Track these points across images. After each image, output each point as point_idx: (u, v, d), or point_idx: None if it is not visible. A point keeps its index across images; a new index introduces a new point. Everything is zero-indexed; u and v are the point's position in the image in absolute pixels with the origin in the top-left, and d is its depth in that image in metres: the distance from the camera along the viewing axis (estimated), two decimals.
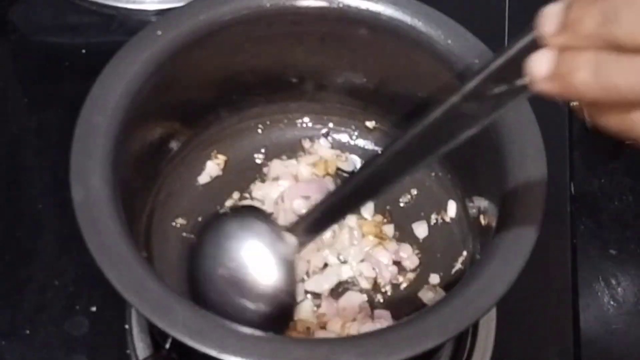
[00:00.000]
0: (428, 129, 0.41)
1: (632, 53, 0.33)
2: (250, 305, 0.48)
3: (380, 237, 0.62)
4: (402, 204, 0.64)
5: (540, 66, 0.35)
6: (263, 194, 0.64)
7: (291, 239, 0.48)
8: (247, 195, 0.64)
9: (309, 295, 0.59)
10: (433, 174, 0.64)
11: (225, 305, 0.47)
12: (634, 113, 0.34)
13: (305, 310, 0.58)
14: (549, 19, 0.35)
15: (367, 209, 0.62)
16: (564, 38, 0.35)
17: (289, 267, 0.48)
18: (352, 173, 0.46)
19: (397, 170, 0.44)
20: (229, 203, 0.63)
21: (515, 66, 0.36)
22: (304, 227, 0.49)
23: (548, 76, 0.35)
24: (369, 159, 0.45)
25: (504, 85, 0.38)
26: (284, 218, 0.61)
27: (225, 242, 0.49)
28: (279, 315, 0.49)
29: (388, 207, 0.64)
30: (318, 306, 0.59)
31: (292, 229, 0.49)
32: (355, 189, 0.46)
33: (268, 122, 0.67)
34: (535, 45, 0.36)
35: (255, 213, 0.51)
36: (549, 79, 0.35)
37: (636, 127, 0.35)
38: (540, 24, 0.35)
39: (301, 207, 0.61)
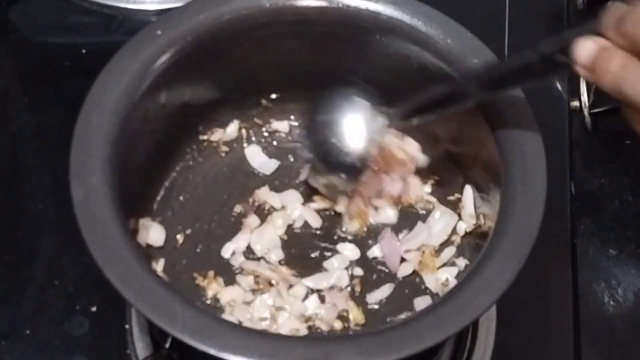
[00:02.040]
0: (503, 68, 0.51)
1: None
2: (333, 155, 0.59)
3: None
4: None
5: (582, 53, 0.41)
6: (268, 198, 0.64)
7: (380, 119, 0.59)
8: (249, 198, 0.64)
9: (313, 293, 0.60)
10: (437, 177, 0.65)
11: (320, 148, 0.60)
12: None
13: (311, 304, 0.59)
14: (612, 11, 0.40)
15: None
16: (612, 33, 0.39)
17: (369, 141, 0.59)
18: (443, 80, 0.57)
19: (475, 92, 0.52)
20: (230, 203, 0.63)
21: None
22: (395, 113, 0.58)
23: (585, 64, 0.41)
24: (462, 73, 0.56)
25: (564, 55, 0.43)
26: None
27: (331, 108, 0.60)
28: (349, 171, 0.60)
29: None
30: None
31: (385, 112, 0.59)
32: (441, 96, 0.55)
33: (268, 122, 0.67)
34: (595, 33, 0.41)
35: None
36: (585, 67, 0.41)
37: None
38: (604, 14, 0.40)
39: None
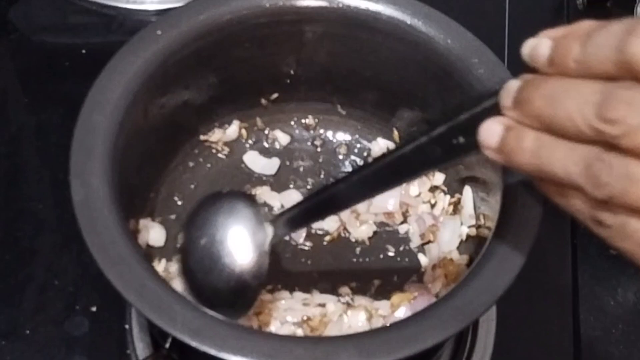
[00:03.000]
0: (395, 160, 0.44)
1: (569, 138, 0.34)
2: (220, 277, 0.51)
3: None
4: None
5: (488, 136, 0.38)
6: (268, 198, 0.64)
7: (269, 230, 0.51)
8: None
9: None
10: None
11: (200, 273, 0.51)
12: (572, 197, 0.36)
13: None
14: (507, 92, 0.37)
15: None
16: (515, 114, 0.37)
17: (261, 254, 0.51)
18: (334, 180, 0.49)
19: (365, 191, 0.47)
20: None
21: (476, 124, 0.39)
22: (284, 221, 0.51)
23: (495, 148, 0.38)
24: (353, 169, 0.50)
25: (464, 138, 0.40)
26: None
27: (211, 218, 0.52)
28: (242, 295, 0.52)
29: None
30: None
31: (273, 220, 0.52)
32: (332, 195, 0.48)
33: (268, 122, 0.67)
34: (497, 110, 0.38)
35: (245, 199, 0.54)
36: (495, 150, 0.38)
37: (574, 208, 0.36)
38: (501, 95, 0.37)
39: None
